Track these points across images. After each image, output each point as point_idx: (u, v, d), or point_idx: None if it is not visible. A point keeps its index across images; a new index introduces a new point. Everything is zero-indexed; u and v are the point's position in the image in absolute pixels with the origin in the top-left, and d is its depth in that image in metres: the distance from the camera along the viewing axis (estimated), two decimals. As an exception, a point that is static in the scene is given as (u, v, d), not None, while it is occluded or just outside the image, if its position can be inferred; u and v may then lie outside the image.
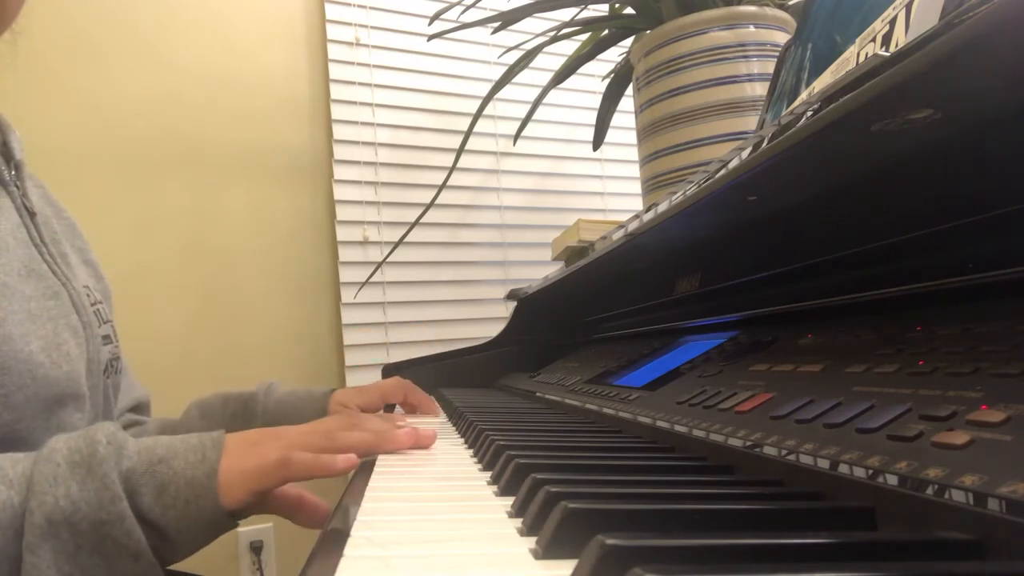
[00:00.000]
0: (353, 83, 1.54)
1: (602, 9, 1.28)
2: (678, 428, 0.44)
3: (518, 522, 0.30)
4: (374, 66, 1.56)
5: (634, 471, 0.37)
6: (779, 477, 0.32)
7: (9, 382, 0.48)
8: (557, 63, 1.48)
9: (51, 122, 1.31)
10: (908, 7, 0.48)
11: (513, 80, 1.30)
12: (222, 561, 1.35)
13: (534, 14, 1.23)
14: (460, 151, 1.30)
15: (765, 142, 0.40)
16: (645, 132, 1.04)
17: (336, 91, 1.52)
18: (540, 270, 1.57)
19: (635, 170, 1.31)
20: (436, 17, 1.30)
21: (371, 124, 1.55)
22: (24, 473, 0.40)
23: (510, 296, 1.28)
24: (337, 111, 1.52)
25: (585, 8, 1.31)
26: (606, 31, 1.26)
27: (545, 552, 0.25)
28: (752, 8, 0.98)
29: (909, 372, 0.32)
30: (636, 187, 1.33)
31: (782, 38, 0.97)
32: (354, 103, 1.54)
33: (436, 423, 0.72)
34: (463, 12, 1.40)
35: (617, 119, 1.38)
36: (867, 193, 0.42)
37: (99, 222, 1.28)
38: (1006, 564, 0.20)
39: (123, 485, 0.41)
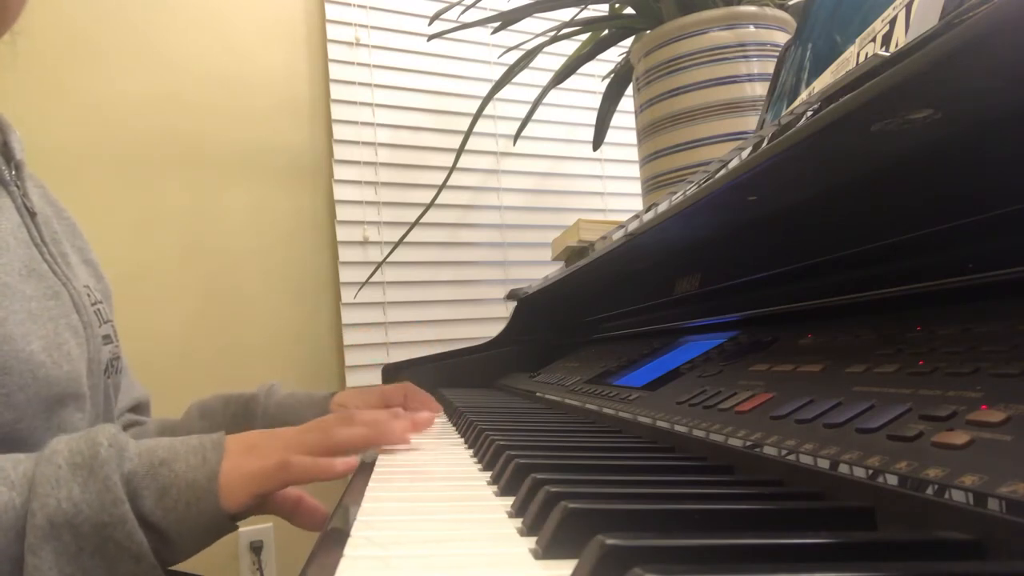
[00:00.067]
0: (353, 83, 1.54)
1: (602, 9, 1.28)
2: (678, 428, 0.44)
3: (518, 522, 0.30)
4: (374, 66, 1.56)
5: (634, 471, 0.37)
6: (779, 477, 0.32)
7: (10, 382, 0.48)
8: (557, 63, 1.48)
9: (51, 122, 1.31)
10: (908, 7, 0.48)
11: (513, 80, 1.30)
12: (222, 561, 1.35)
13: (534, 14, 1.23)
14: (460, 151, 1.30)
15: (765, 142, 0.40)
16: (645, 132, 1.04)
17: (336, 91, 1.52)
18: (540, 270, 1.57)
19: (635, 170, 1.31)
20: (436, 17, 1.30)
21: (371, 124, 1.55)
22: (26, 474, 0.40)
23: (510, 296, 1.28)
24: (337, 111, 1.52)
25: (585, 8, 1.31)
26: (606, 31, 1.26)
27: (545, 552, 0.25)
28: (752, 8, 0.98)
29: (909, 372, 0.32)
30: (636, 187, 1.33)
31: (782, 38, 0.97)
32: (354, 103, 1.54)
33: (433, 426, 0.72)
34: (463, 12, 1.40)
35: (617, 119, 1.38)
36: (867, 193, 0.42)
37: (99, 222, 1.28)
38: (1006, 564, 0.20)
39: (125, 488, 0.41)
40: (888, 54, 0.30)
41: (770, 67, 0.90)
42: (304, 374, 1.46)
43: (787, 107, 0.71)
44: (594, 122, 1.35)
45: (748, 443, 0.35)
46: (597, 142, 1.36)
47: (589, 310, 1.10)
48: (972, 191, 0.34)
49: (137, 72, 1.39)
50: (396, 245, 1.40)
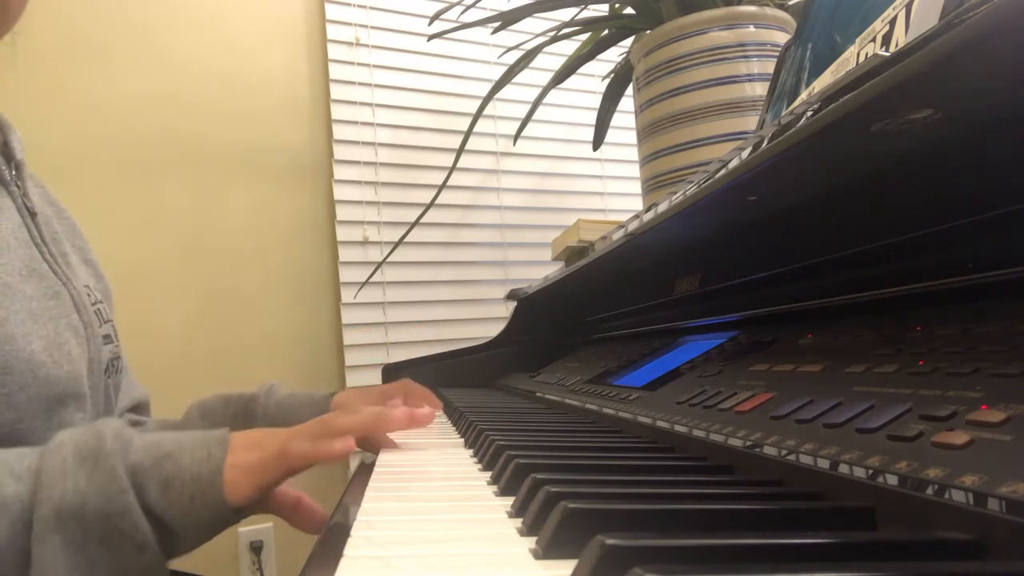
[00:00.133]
0: (353, 83, 1.54)
1: (602, 9, 1.28)
2: (678, 428, 0.44)
3: (518, 522, 0.30)
4: (374, 66, 1.56)
5: (634, 471, 0.37)
6: (779, 477, 0.32)
7: (11, 382, 0.48)
8: (557, 63, 1.48)
9: (51, 122, 1.31)
10: (908, 7, 0.48)
11: (513, 80, 1.30)
12: (222, 561, 1.35)
13: (534, 14, 1.23)
14: (460, 151, 1.30)
15: (765, 142, 0.40)
16: (645, 132, 1.04)
17: (336, 91, 1.52)
18: (540, 270, 1.57)
19: (635, 170, 1.31)
20: (436, 17, 1.30)
21: (371, 124, 1.55)
22: (31, 467, 0.41)
23: (510, 296, 1.28)
24: (337, 111, 1.52)
25: (585, 8, 1.31)
26: (606, 31, 1.26)
27: (545, 552, 0.25)
28: (752, 8, 0.98)
29: (909, 372, 0.32)
30: (636, 187, 1.32)
31: (782, 38, 0.97)
32: (354, 103, 1.54)
33: (433, 426, 0.72)
34: (463, 12, 1.40)
35: (617, 119, 1.38)
36: (867, 193, 0.42)
37: (99, 222, 1.28)
38: (1006, 564, 0.20)
39: (130, 479, 0.41)
40: (888, 54, 0.30)
41: (770, 67, 0.90)
42: (304, 374, 1.46)
43: (787, 107, 0.71)
44: (594, 122, 1.35)
45: (748, 443, 0.35)
46: (597, 142, 1.36)
47: (589, 310, 1.10)
48: (972, 191, 0.34)
49: (137, 72, 1.39)
50: (396, 245, 1.40)
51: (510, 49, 1.50)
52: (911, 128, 0.32)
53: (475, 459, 0.48)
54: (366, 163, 1.54)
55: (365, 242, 1.52)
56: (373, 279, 1.48)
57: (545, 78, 1.39)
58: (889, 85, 0.29)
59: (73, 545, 0.39)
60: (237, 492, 0.44)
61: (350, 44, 1.55)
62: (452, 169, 1.32)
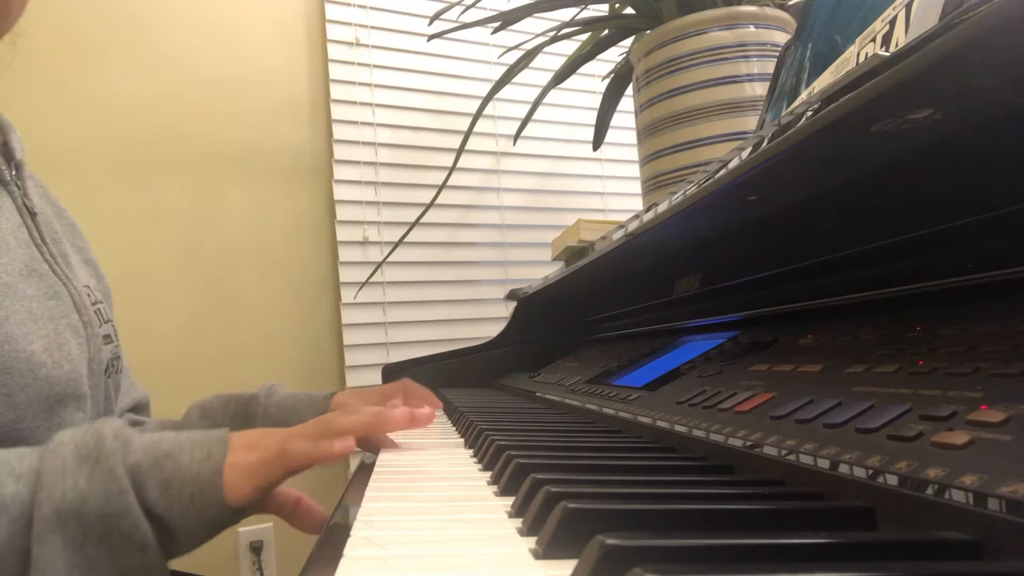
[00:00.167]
0: (353, 83, 1.54)
1: (602, 9, 1.28)
2: (678, 428, 0.44)
3: (518, 522, 0.30)
4: (374, 66, 1.56)
5: (634, 471, 0.37)
6: (779, 477, 0.32)
7: (11, 381, 0.48)
8: (557, 63, 1.48)
9: (51, 122, 1.31)
10: (908, 7, 0.48)
11: (513, 80, 1.30)
12: (222, 561, 1.35)
13: (534, 14, 1.23)
14: (460, 151, 1.30)
15: (765, 142, 0.40)
16: (645, 132, 1.04)
17: (336, 91, 1.52)
18: (540, 270, 1.57)
19: (635, 170, 1.31)
20: (436, 17, 1.30)
21: (371, 124, 1.55)
22: (32, 467, 0.41)
23: (510, 296, 1.28)
24: (337, 111, 1.52)
25: (585, 8, 1.31)
26: (606, 31, 1.26)
27: (545, 552, 0.25)
28: (752, 8, 0.98)
29: (909, 372, 0.32)
30: (636, 187, 1.33)
31: (782, 38, 0.97)
32: (354, 103, 1.54)
33: (433, 426, 0.72)
34: (463, 12, 1.40)
35: (617, 119, 1.38)
36: (867, 193, 0.42)
37: (99, 222, 1.28)
38: (1006, 564, 0.20)
39: (130, 479, 0.41)
40: (888, 54, 0.30)
41: (770, 67, 0.90)
42: (304, 374, 1.46)
43: (787, 107, 0.71)
44: (594, 122, 1.35)
45: (748, 443, 0.35)
46: (597, 142, 1.36)
47: (589, 310, 1.10)
48: (972, 191, 0.34)
49: (137, 72, 1.39)
50: (396, 245, 1.40)
51: (510, 49, 1.50)
52: (911, 128, 0.32)
53: (475, 459, 0.48)
54: (366, 163, 1.54)
55: (365, 242, 1.52)
56: (373, 279, 1.48)
57: (545, 78, 1.39)
58: (889, 85, 0.29)
59: (73, 545, 0.39)
60: (237, 492, 0.44)
61: (350, 44, 1.55)
62: (452, 169, 1.32)
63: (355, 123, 1.53)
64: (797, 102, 0.66)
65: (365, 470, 0.47)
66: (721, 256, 0.63)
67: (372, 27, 1.57)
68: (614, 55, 1.48)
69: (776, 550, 0.21)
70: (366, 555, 0.25)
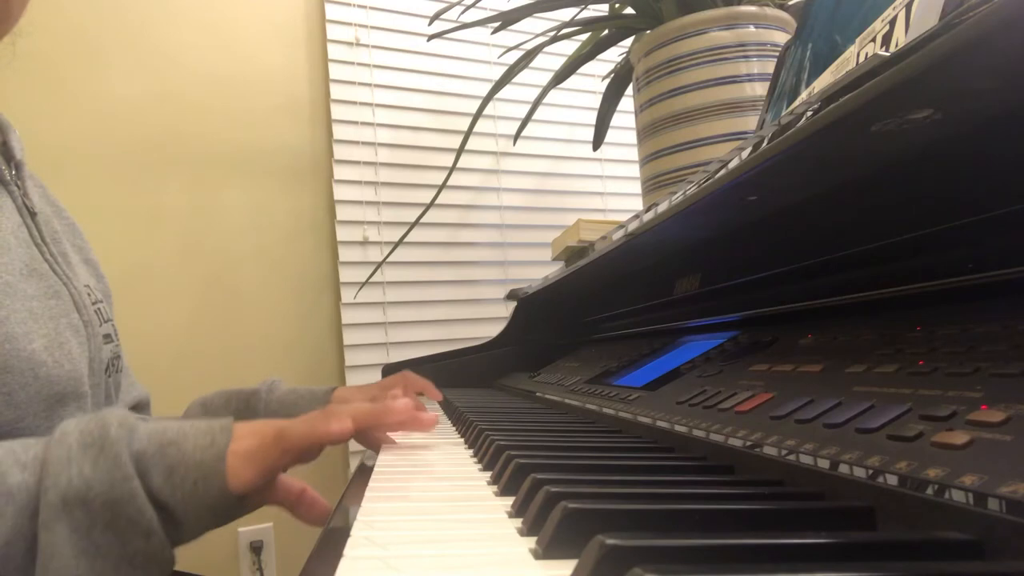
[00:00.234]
0: (353, 83, 1.54)
1: (602, 9, 1.28)
2: (678, 428, 0.44)
3: (518, 522, 0.30)
4: (374, 66, 1.56)
5: (634, 471, 0.37)
6: (779, 477, 0.32)
7: (11, 381, 0.48)
8: (557, 63, 1.48)
9: (51, 122, 1.31)
10: (908, 7, 0.48)
11: (513, 80, 1.30)
12: (222, 561, 1.35)
13: (534, 14, 1.23)
14: (460, 151, 1.30)
15: (765, 142, 0.40)
16: (645, 132, 1.04)
17: (336, 91, 1.52)
18: (540, 270, 1.57)
19: (635, 170, 1.31)
20: (436, 17, 1.30)
21: (371, 124, 1.55)
22: (37, 456, 0.41)
23: (510, 296, 1.28)
24: (337, 111, 1.52)
25: (585, 8, 1.31)
26: (606, 31, 1.26)
27: (545, 552, 0.25)
28: (752, 8, 0.98)
29: (909, 372, 0.32)
30: (636, 187, 1.33)
31: (782, 38, 0.97)
32: (354, 103, 1.54)
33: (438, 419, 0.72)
34: (463, 12, 1.40)
35: (617, 119, 1.38)
36: (867, 193, 0.42)
37: (99, 222, 1.28)
38: (1006, 564, 0.20)
39: (134, 465, 0.42)
40: (888, 54, 0.30)
41: (770, 67, 0.90)
42: (304, 374, 1.46)
43: (787, 107, 0.71)
44: (594, 122, 1.35)
45: (748, 443, 0.35)
46: (597, 142, 1.36)
47: (589, 310, 1.10)
48: (972, 191, 0.34)
49: (137, 72, 1.39)
50: (396, 245, 1.40)
51: (510, 49, 1.50)
52: (911, 128, 0.32)
53: (475, 459, 0.48)
54: (366, 163, 1.54)
55: (365, 242, 1.52)
56: (373, 279, 1.48)
57: (545, 78, 1.39)
58: (889, 85, 0.29)
59: (79, 531, 0.39)
60: (238, 478, 0.44)
61: (350, 44, 1.55)
62: (452, 169, 1.32)
63: (355, 123, 1.53)
64: (797, 102, 0.66)
65: (365, 470, 0.46)
66: (721, 256, 0.63)
67: (372, 27, 1.57)
68: (614, 55, 1.48)
69: (776, 550, 0.21)
70: (366, 555, 0.25)
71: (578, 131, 1.75)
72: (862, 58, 0.54)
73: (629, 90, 1.23)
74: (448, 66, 1.64)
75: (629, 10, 1.20)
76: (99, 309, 0.62)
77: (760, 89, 0.94)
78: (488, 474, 0.41)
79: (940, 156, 0.35)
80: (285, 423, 0.48)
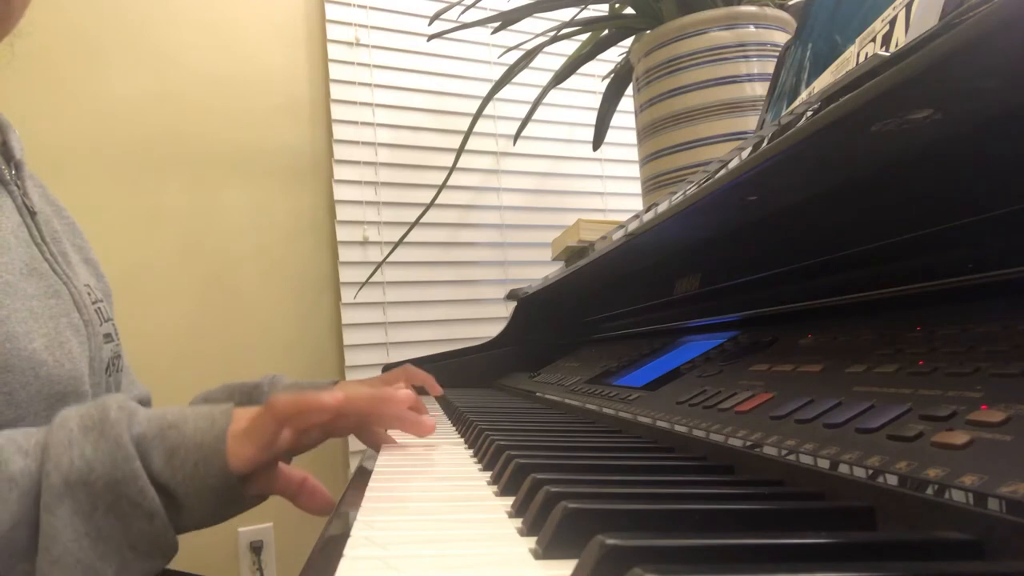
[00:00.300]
0: (353, 83, 1.54)
1: (602, 9, 1.28)
2: (678, 428, 0.44)
3: (518, 522, 0.30)
4: (374, 66, 1.56)
5: (634, 471, 0.37)
6: (779, 477, 0.32)
7: (12, 380, 0.48)
8: (557, 63, 1.48)
9: (51, 122, 1.31)
10: (908, 7, 0.48)
11: (513, 80, 1.30)
12: (222, 561, 1.35)
13: (534, 14, 1.23)
14: (460, 151, 1.30)
15: (765, 142, 0.40)
16: (645, 132, 1.04)
17: (336, 91, 1.52)
18: (540, 270, 1.57)
19: (635, 170, 1.31)
20: (436, 17, 1.30)
21: (371, 124, 1.55)
22: (39, 442, 0.41)
23: (510, 296, 1.28)
24: (337, 111, 1.52)
25: (585, 8, 1.31)
26: (606, 31, 1.26)
27: (545, 552, 0.25)
28: (752, 8, 0.98)
29: (909, 372, 0.32)
30: (636, 187, 1.33)
31: (782, 38, 0.97)
32: (354, 103, 1.54)
33: (436, 422, 0.72)
34: (463, 12, 1.40)
35: (617, 119, 1.38)
36: (867, 193, 0.42)
37: (99, 222, 1.28)
38: (1006, 564, 0.20)
39: (135, 447, 0.42)
40: (888, 54, 0.30)
41: (770, 67, 0.90)
42: (304, 374, 1.46)
43: (787, 107, 0.71)
44: (594, 122, 1.35)
45: (748, 443, 0.35)
46: (597, 142, 1.36)
47: (589, 310, 1.10)
48: (972, 191, 0.34)
49: (137, 72, 1.39)
50: (396, 245, 1.40)
51: (510, 49, 1.50)
52: (911, 128, 0.32)
53: (475, 459, 0.48)
54: (366, 163, 1.54)
55: (365, 242, 1.52)
56: (373, 279, 1.48)
57: (545, 78, 1.39)
58: (889, 85, 0.29)
59: (81, 514, 0.39)
60: (238, 456, 0.44)
61: (350, 44, 1.55)
62: (452, 169, 1.32)
63: (355, 123, 1.53)
64: (797, 102, 0.66)
65: (364, 472, 0.46)
66: (721, 256, 0.63)
67: (372, 27, 1.57)
68: (614, 55, 1.48)
69: (776, 550, 0.21)
70: (366, 555, 0.25)
71: (578, 131, 1.75)
72: (862, 58, 0.54)
73: (629, 90, 1.23)
74: (448, 66, 1.64)
75: (629, 10, 1.20)
76: (99, 308, 0.62)
77: (760, 89, 0.94)
78: (488, 474, 0.41)
79: (940, 156, 0.35)
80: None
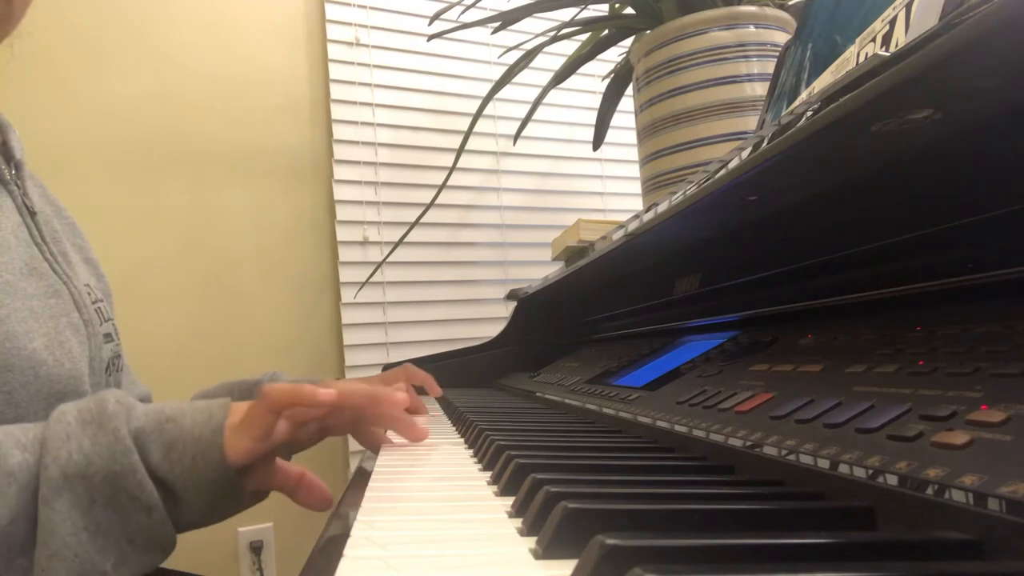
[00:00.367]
0: (353, 83, 1.54)
1: (602, 9, 1.28)
2: (678, 428, 0.44)
3: (518, 522, 0.30)
4: (374, 66, 1.56)
5: (634, 471, 0.37)
6: (779, 477, 0.32)
7: (12, 379, 0.48)
8: (557, 63, 1.48)
9: (51, 122, 1.31)
10: (908, 7, 0.48)
11: (513, 80, 1.30)
12: (222, 561, 1.34)
13: (534, 14, 1.23)
14: (460, 151, 1.30)
15: (765, 142, 0.40)
16: (645, 132, 1.04)
17: (336, 91, 1.52)
18: (540, 270, 1.57)
19: (635, 170, 1.31)
20: (436, 17, 1.30)
21: (371, 124, 1.55)
22: (37, 436, 0.41)
23: (510, 296, 1.28)
24: (337, 111, 1.52)
25: (585, 8, 1.31)
26: (606, 31, 1.26)
27: (545, 552, 0.25)
28: (752, 8, 0.98)
29: (909, 372, 0.32)
30: (636, 187, 1.33)
31: (782, 38, 0.97)
32: (354, 103, 1.54)
33: (433, 425, 0.72)
34: (463, 12, 1.40)
35: (617, 119, 1.38)
36: (867, 193, 0.42)
37: (99, 222, 1.28)
38: (1006, 564, 0.20)
39: (133, 441, 0.42)
40: (888, 54, 0.30)
41: (770, 67, 0.90)
42: (304, 374, 1.46)
43: (787, 107, 0.71)
44: (594, 122, 1.35)
45: (748, 443, 0.35)
46: (597, 142, 1.36)
47: (589, 310, 1.10)
48: (972, 191, 0.34)
49: (137, 72, 1.39)
50: (396, 245, 1.40)
51: (510, 49, 1.50)
52: (911, 128, 0.32)
53: (475, 459, 0.48)
54: (366, 163, 1.54)
55: (365, 242, 1.52)
56: (373, 279, 1.48)
57: (545, 78, 1.39)
58: (889, 85, 0.29)
59: (80, 507, 0.39)
60: (235, 448, 0.44)
61: (350, 44, 1.55)
62: (452, 169, 1.32)
63: (355, 123, 1.53)
64: (797, 102, 0.66)
65: (364, 473, 0.46)
66: (721, 256, 0.63)
67: (372, 27, 1.57)
68: (614, 55, 1.48)
69: (776, 550, 0.21)
70: (366, 555, 0.25)
71: (578, 131, 1.75)
72: (862, 58, 0.54)
73: (629, 90, 1.23)
74: (448, 66, 1.64)
75: (629, 10, 1.20)
76: (99, 308, 0.62)
77: (760, 89, 0.94)
78: (488, 474, 0.41)
79: (940, 156, 0.35)
80: None
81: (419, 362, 1.19)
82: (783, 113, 0.48)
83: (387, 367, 1.18)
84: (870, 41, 0.53)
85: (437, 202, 1.38)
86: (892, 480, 0.25)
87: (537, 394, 0.86)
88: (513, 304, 1.27)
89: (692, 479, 0.35)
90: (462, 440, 0.58)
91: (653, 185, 1.03)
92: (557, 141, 1.74)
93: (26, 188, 0.60)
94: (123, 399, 0.44)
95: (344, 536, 0.28)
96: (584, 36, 1.33)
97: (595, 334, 1.09)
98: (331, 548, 0.27)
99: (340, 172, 1.51)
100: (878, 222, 0.41)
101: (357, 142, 1.53)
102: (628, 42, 1.31)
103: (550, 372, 1.01)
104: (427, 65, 1.62)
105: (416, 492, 0.38)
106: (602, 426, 0.56)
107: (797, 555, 0.21)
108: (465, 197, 1.63)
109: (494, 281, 1.63)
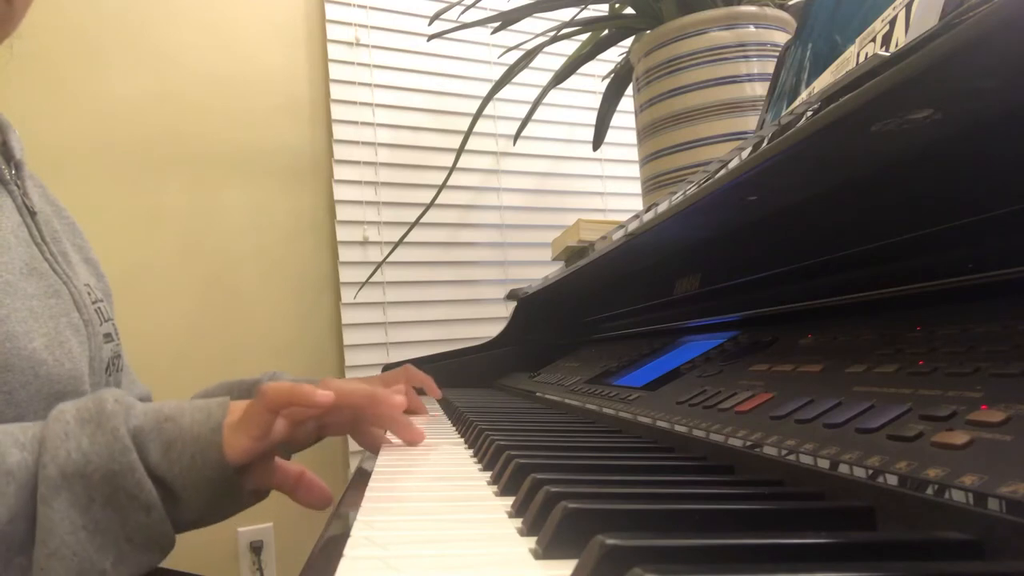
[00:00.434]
0: (353, 83, 1.54)
1: (602, 9, 1.28)
2: (678, 428, 0.44)
3: (518, 522, 0.30)
4: (374, 66, 1.56)
5: (634, 471, 0.37)
6: (779, 477, 0.32)
7: (12, 379, 0.48)
8: (557, 63, 1.48)
9: (51, 122, 1.31)
10: (908, 7, 0.48)
11: (513, 80, 1.30)
12: (222, 561, 1.34)
13: (534, 14, 1.23)
14: (460, 151, 1.30)
15: (765, 142, 0.40)
16: (645, 132, 1.04)
17: (336, 91, 1.52)
18: (540, 270, 1.57)
19: (635, 170, 1.31)
20: (436, 17, 1.30)
21: (371, 124, 1.55)
22: (35, 435, 0.41)
23: (510, 296, 1.28)
24: (337, 111, 1.52)
25: (585, 8, 1.31)
26: (606, 31, 1.26)
27: (545, 552, 0.25)
28: (752, 8, 0.98)
29: (909, 372, 0.32)
30: (636, 187, 1.33)
31: (782, 38, 0.97)
32: (354, 103, 1.54)
33: (433, 425, 0.72)
34: (463, 12, 1.40)
35: (617, 119, 1.38)
36: (867, 193, 0.42)
37: (99, 222, 1.28)
38: (1006, 564, 0.20)
39: (132, 440, 0.42)
40: (888, 54, 0.30)
41: (770, 67, 0.90)
42: (304, 374, 1.46)
43: (787, 107, 0.71)
44: (594, 122, 1.35)
45: (748, 443, 0.35)
46: (597, 142, 1.36)
47: (589, 310, 1.10)
48: (972, 191, 0.34)
49: (137, 72, 1.39)
50: (396, 245, 1.40)
51: (510, 49, 1.50)
52: (911, 128, 0.32)
53: (475, 459, 0.48)
54: (366, 163, 1.54)
55: (365, 242, 1.52)
56: (373, 279, 1.48)
57: (545, 78, 1.39)
58: (889, 85, 0.29)
59: (79, 506, 0.39)
60: (234, 447, 0.44)
61: (350, 44, 1.55)
62: (452, 169, 1.32)
63: (355, 123, 1.53)
64: (797, 102, 0.66)
65: (363, 474, 0.46)
66: (721, 256, 0.63)
67: (372, 27, 1.57)
68: (614, 55, 1.48)
69: (776, 550, 0.21)
70: (366, 555, 0.25)
71: (578, 131, 1.75)
72: (862, 58, 0.54)
73: (629, 90, 1.23)
74: (448, 66, 1.64)
75: (629, 10, 1.20)
76: (99, 308, 0.62)
77: (760, 89, 0.94)
78: (488, 474, 0.41)
79: (940, 156, 0.35)
80: None
81: (419, 362, 1.19)
82: (783, 113, 0.48)
83: (387, 367, 1.18)
84: (870, 41, 0.53)
85: (437, 202, 1.38)
86: (892, 480, 0.25)
87: (537, 394, 0.86)
88: (513, 304, 1.27)
89: (692, 479, 0.35)
90: (462, 440, 0.58)
91: (653, 185, 1.03)
92: (557, 141, 1.74)
93: (26, 188, 0.60)
94: (122, 398, 0.44)
95: (344, 536, 0.28)
96: (584, 36, 1.33)
97: (595, 334, 1.09)
98: (331, 548, 0.27)
99: (340, 172, 1.51)
100: (878, 222, 0.41)
101: (357, 142, 1.53)
102: (628, 42, 1.31)
103: (550, 372, 1.01)
104: (427, 65, 1.62)
105: (416, 492, 0.38)
106: (602, 426, 0.56)
107: (797, 555, 0.21)
108: (465, 197, 1.63)
109: (494, 281, 1.63)
